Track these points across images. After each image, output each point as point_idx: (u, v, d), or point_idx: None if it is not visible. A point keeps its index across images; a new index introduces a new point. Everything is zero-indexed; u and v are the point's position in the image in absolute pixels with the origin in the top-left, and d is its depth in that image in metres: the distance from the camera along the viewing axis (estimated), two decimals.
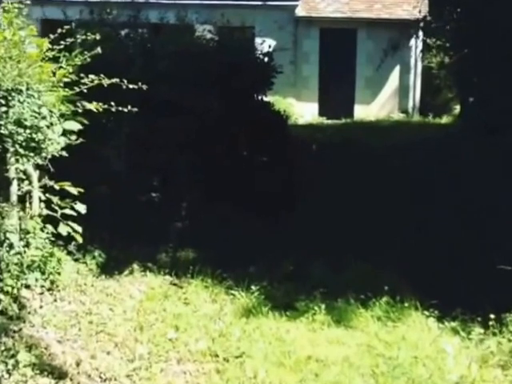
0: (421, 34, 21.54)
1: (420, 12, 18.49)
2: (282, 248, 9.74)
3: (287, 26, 22.95)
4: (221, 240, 9.58)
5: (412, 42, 22.32)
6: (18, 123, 5.96)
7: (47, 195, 6.76)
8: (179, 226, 9.86)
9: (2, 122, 5.93)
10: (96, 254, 8.94)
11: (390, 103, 23.43)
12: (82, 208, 6.48)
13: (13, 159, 6.37)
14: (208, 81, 10.54)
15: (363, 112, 23.00)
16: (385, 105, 23.41)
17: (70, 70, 6.66)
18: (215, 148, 10.31)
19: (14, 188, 6.81)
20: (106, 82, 6.44)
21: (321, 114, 23.28)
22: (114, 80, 6.33)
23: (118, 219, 9.24)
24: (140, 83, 6.80)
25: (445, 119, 22.49)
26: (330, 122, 22.19)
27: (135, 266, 8.94)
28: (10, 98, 5.99)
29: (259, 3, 22.58)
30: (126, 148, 9.48)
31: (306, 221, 10.80)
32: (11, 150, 6.19)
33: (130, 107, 6.59)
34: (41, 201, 6.98)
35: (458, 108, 22.69)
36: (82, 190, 6.52)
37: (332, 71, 23.18)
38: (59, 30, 6.78)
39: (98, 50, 6.57)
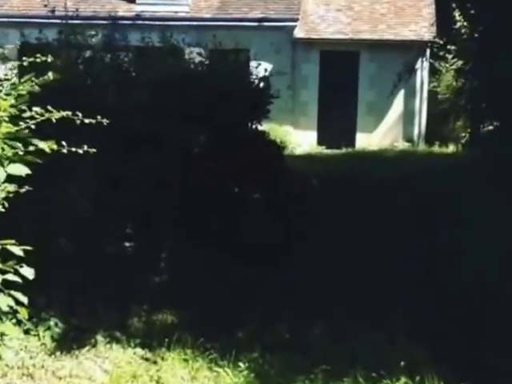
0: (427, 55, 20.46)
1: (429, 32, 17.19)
2: (276, 306, 8.25)
3: (285, 48, 21.65)
4: (205, 297, 8.14)
5: (418, 64, 21.05)
6: None
7: None
8: (156, 281, 8.35)
9: None
10: (52, 323, 7.40)
11: (394, 131, 22.13)
12: (28, 272, 4.99)
13: None
14: (194, 110, 9.12)
15: (365, 141, 21.71)
16: (388, 132, 22.11)
17: (12, 101, 5.16)
18: (200, 186, 8.87)
19: None
20: (55, 115, 4.96)
21: (320, 142, 21.97)
22: (65, 113, 4.84)
23: (82, 277, 7.77)
24: (109, 115, 5.45)
25: (451, 148, 21.14)
26: (329, 151, 20.87)
27: (99, 338, 7.36)
28: None
29: (254, 24, 21.26)
30: (94, 189, 7.97)
31: (304, 269, 9.35)
32: None
33: (86, 147, 5.07)
34: None
35: (465, 136, 21.50)
36: (28, 249, 5.03)
37: (332, 97, 21.91)
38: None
39: (49, 75, 5.13)
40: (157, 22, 18.50)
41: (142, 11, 20.08)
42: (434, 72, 22.62)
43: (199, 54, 11.44)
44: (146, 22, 18.65)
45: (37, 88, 4.83)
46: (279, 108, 13.60)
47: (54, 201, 7.61)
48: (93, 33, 10.22)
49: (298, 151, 20.78)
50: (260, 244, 9.10)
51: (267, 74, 11.95)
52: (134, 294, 8.02)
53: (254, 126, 11.56)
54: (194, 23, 20.69)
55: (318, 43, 22.07)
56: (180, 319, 7.91)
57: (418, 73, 21.58)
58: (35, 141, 4.76)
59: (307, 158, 19.10)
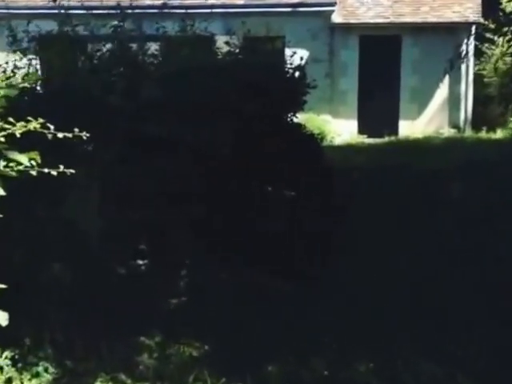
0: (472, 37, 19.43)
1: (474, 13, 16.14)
2: (312, 331, 7.03)
3: (322, 34, 20.63)
4: (230, 323, 7.06)
5: (463, 47, 19.95)
6: None
7: None
8: (173, 305, 7.30)
9: None
10: (40, 368, 6.19)
11: (439, 117, 21.04)
12: (2, 319, 4.11)
13: None
14: (218, 106, 8.22)
15: (409, 128, 20.66)
16: (433, 119, 21.03)
17: None
18: (225, 191, 7.93)
19: None
20: (33, 125, 4.10)
21: (360, 131, 20.97)
22: (37, 123, 3.95)
23: (82, 306, 6.70)
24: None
25: (499, 133, 20.01)
26: (371, 140, 19.86)
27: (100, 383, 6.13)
28: None
29: (289, 10, 20.28)
30: (100, 202, 6.99)
31: (344, 285, 8.07)
32: None
33: (65, 168, 4.10)
34: None
35: None
36: (2, 286, 4.18)
37: (373, 84, 20.87)
38: None
39: (38, 73, 4.34)
40: (185, 11, 17.57)
41: None
42: (479, 54, 21.49)
43: (227, 43, 10.55)
44: (168, 11, 17.73)
45: (14, 92, 3.97)
46: (317, 97, 12.79)
47: (51, 219, 6.71)
48: (115, 23, 9.34)
49: (338, 141, 19.85)
50: (295, 253, 8.17)
51: (303, 62, 11.14)
52: (145, 323, 6.94)
53: (288, 119, 10.72)
54: (225, 10, 19.76)
55: (357, 28, 21.04)
56: (199, 352, 6.78)
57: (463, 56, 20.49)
58: (12, 153, 3.90)
59: (347, 148, 18.14)
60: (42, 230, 6.54)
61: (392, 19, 20.80)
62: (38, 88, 7.63)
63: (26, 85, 4.45)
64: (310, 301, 7.57)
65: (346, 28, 21.04)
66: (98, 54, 8.08)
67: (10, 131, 3.70)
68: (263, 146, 9.15)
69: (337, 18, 20.90)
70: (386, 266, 8.61)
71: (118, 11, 9.59)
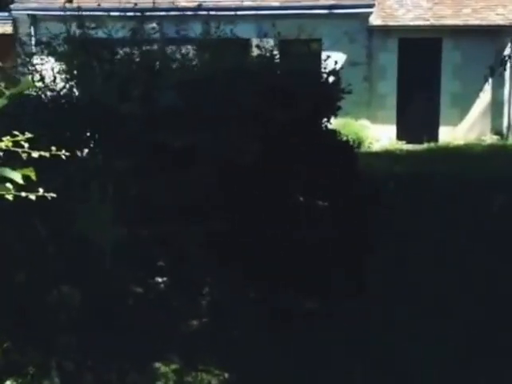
0: None
1: None
2: (349, 361, 6.24)
3: (360, 36, 20.02)
4: (257, 347, 6.41)
5: (507, 51, 19.20)
6: None
7: None
8: (194, 327, 6.71)
9: None
10: None
11: (481, 123, 20.32)
12: None
13: None
14: (248, 114, 7.68)
15: (449, 134, 19.99)
16: (475, 125, 20.32)
17: None
18: (252, 202, 7.37)
19: None
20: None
21: (399, 137, 20.34)
22: (24, 138, 3.44)
23: (94, 329, 6.11)
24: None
25: None
26: (410, 146, 19.23)
27: None
28: None
29: (325, 11, 19.69)
30: (113, 216, 6.44)
31: (380, 308, 7.32)
32: None
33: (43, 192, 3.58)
34: None
35: None
36: None
37: (412, 88, 20.23)
38: None
39: (28, 79, 3.85)
40: (221, 12, 17.06)
41: (205, 1, 18.72)
42: None
43: (257, 47, 10.03)
44: (210, 13, 17.25)
45: (3, 102, 3.46)
46: (355, 101, 12.31)
47: (57, 235, 6.20)
48: (154, 26, 8.79)
49: (376, 147, 19.25)
50: (327, 269, 7.60)
51: (339, 65, 10.59)
52: (162, 348, 6.35)
53: (322, 125, 10.18)
54: (259, 12, 19.24)
55: (397, 30, 20.38)
56: (219, 381, 6.17)
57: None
58: (3, 170, 3.40)
59: (385, 155, 17.53)
60: (46, 247, 6.05)
61: (432, 21, 20.14)
62: (44, 96, 7.17)
63: (30, 92, 3.97)
64: (341, 327, 6.94)
65: (385, 30, 20.42)
66: (115, 57, 7.60)
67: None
68: (294, 153, 8.64)
69: (375, 20, 20.29)
70: (423, 284, 7.96)
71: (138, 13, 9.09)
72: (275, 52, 10.44)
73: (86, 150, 6.95)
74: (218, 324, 6.68)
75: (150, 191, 6.31)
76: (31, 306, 5.80)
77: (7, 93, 3.77)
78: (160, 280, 6.73)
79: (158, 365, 6.18)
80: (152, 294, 6.61)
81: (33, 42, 9.53)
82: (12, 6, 19.82)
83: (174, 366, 6.22)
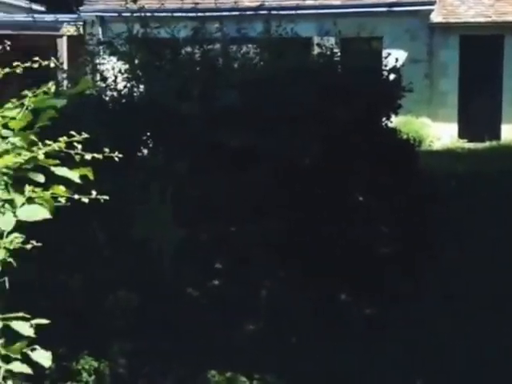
0: None
1: None
2: (406, 363, 6.21)
3: (421, 34, 19.89)
4: (312, 356, 6.32)
5: None
6: None
7: None
8: (250, 331, 6.67)
9: None
10: None
11: None
12: (44, 358, 3.68)
13: None
14: (306, 112, 7.74)
15: None
16: None
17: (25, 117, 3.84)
18: (312, 202, 7.42)
19: None
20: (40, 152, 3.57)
21: (461, 135, 20.10)
22: (81, 139, 3.52)
23: (150, 334, 6.20)
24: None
25: None
26: (471, 145, 19.00)
27: None
28: None
29: (385, 9, 19.62)
30: (172, 218, 6.50)
31: (437, 307, 7.30)
32: None
33: (96, 196, 3.62)
34: None
35: None
36: (44, 322, 3.77)
37: (474, 85, 19.99)
38: None
39: (86, 79, 3.97)
40: (282, 12, 17.12)
41: (267, 0, 18.80)
42: None
43: (318, 45, 10.09)
44: (272, 12, 17.31)
45: (62, 102, 3.58)
46: (415, 99, 12.35)
47: (114, 239, 6.30)
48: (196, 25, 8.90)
49: (437, 145, 19.07)
50: (382, 267, 7.61)
51: (399, 63, 10.58)
52: (217, 354, 6.29)
53: (383, 124, 10.18)
54: (319, 11, 19.26)
55: (458, 27, 20.19)
56: None
57: None
58: (61, 170, 3.51)
59: (446, 153, 17.36)
60: (102, 251, 6.18)
61: (494, 18, 19.90)
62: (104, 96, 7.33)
63: (90, 91, 4.11)
64: (396, 326, 6.92)
65: (446, 27, 20.25)
66: (177, 57, 7.72)
67: (49, 148, 3.31)
68: (354, 152, 8.68)
69: (436, 17, 20.15)
70: (479, 284, 7.92)
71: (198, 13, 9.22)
72: (336, 50, 10.49)
73: (146, 151, 7.10)
74: (274, 328, 6.65)
75: (210, 191, 6.40)
76: (87, 309, 5.91)
77: (67, 93, 3.90)
78: (217, 282, 6.77)
79: (213, 372, 6.20)
80: (209, 297, 6.67)
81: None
82: (81, 8, 20.25)
83: (228, 374, 6.21)
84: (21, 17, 20.55)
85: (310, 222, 7.23)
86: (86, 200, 3.36)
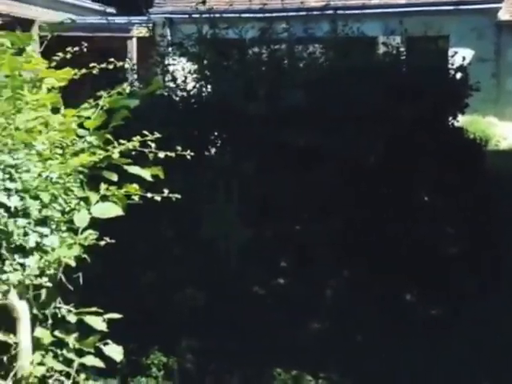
0: None
1: None
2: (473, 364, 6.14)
3: (488, 32, 19.64)
4: (376, 356, 6.33)
5: None
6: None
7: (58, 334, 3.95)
8: (314, 331, 6.67)
9: None
10: None
11: None
12: (116, 352, 3.82)
13: None
14: (374, 113, 7.74)
15: None
16: None
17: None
18: (377, 202, 7.42)
19: None
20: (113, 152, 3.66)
21: None
22: (152, 138, 3.62)
23: (217, 331, 6.28)
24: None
25: None
26: None
27: None
28: None
29: (451, 8, 19.43)
30: (238, 217, 6.57)
31: (504, 308, 7.19)
32: None
33: (168, 193, 3.69)
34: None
35: None
36: (117, 316, 3.89)
37: None
38: None
39: (157, 79, 4.09)
40: (348, 11, 17.10)
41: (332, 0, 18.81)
42: None
43: (384, 44, 10.07)
44: (338, 12, 17.28)
45: (134, 102, 3.70)
46: (482, 98, 12.07)
47: (184, 237, 6.39)
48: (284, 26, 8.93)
49: (503, 145, 18.78)
50: (448, 268, 7.56)
51: (466, 62, 10.50)
52: (282, 352, 6.31)
53: (449, 123, 10.12)
54: (385, 10, 19.18)
55: None
56: None
57: None
58: (134, 168, 3.64)
59: None
60: (172, 249, 6.29)
61: None
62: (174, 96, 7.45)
63: (159, 92, 4.22)
64: (462, 327, 6.85)
65: None
66: (244, 57, 7.82)
67: (123, 147, 3.44)
68: (420, 152, 8.65)
69: (504, 15, 19.85)
70: None
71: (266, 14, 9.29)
72: (402, 49, 10.46)
73: (214, 150, 7.19)
74: (339, 327, 6.68)
75: (275, 191, 6.46)
76: (158, 306, 6.04)
77: (139, 93, 4.02)
78: (282, 281, 6.82)
79: (278, 370, 6.25)
80: (274, 296, 6.73)
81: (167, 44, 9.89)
82: (150, 10, 20.54)
83: (294, 373, 6.24)
84: (95, 19, 20.90)
85: (376, 221, 7.24)
86: (158, 198, 3.48)
